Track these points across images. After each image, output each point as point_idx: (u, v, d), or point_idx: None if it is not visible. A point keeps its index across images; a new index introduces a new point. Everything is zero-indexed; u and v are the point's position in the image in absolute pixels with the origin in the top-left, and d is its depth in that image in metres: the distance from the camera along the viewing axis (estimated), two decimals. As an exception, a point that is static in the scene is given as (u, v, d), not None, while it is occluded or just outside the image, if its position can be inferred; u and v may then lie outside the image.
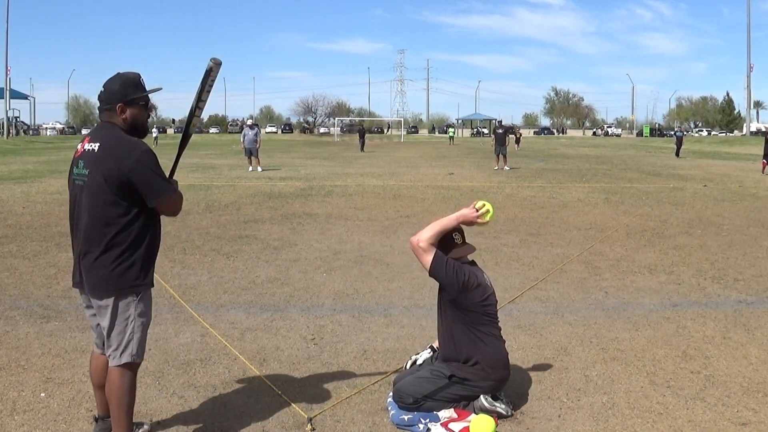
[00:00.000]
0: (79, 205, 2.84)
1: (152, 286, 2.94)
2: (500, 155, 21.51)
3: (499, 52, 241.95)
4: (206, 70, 2.90)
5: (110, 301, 2.79)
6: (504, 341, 3.56)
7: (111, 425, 2.92)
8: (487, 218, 3.49)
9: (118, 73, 2.89)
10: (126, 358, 2.83)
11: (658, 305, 5.50)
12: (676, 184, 16.69)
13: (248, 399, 3.63)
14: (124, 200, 2.75)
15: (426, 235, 3.39)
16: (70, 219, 2.94)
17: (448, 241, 3.48)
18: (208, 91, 2.98)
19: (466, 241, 3.58)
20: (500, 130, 22.32)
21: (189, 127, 3.12)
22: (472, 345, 3.39)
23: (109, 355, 2.86)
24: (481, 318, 3.42)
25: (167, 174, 2.93)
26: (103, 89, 2.85)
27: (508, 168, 21.36)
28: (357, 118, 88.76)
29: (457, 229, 3.51)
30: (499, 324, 3.56)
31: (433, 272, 3.38)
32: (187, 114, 3.15)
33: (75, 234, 2.89)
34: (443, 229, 3.43)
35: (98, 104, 2.88)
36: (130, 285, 2.80)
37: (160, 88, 3.07)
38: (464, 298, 3.38)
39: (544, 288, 6.03)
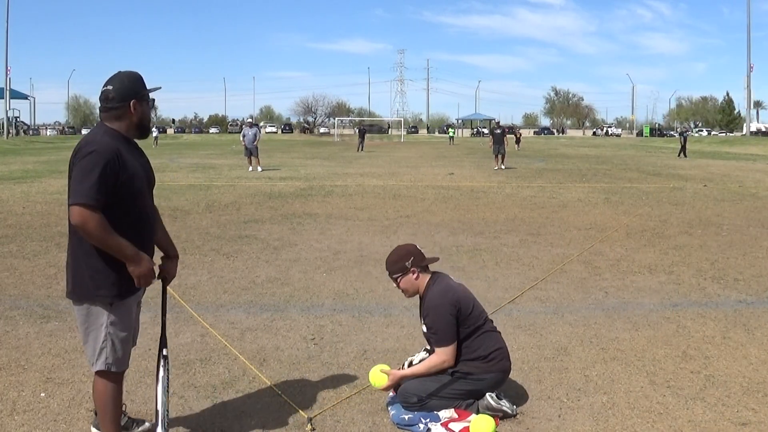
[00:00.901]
0: None
1: (129, 296, 2.79)
2: (499, 155, 21.67)
3: (499, 52, 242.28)
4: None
5: (82, 307, 2.74)
6: (499, 332, 3.59)
7: None
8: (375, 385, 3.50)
9: (122, 72, 2.82)
10: (100, 366, 2.75)
11: (658, 305, 5.50)
12: (676, 184, 16.69)
13: (248, 399, 3.63)
14: None
15: (437, 363, 3.39)
16: None
17: (404, 268, 3.50)
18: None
19: (426, 256, 3.57)
20: (498, 131, 22.59)
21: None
22: (468, 348, 3.40)
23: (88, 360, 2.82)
24: (472, 324, 3.43)
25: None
26: (110, 87, 2.75)
27: (504, 167, 21.51)
28: (357, 118, 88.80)
29: (408, 263, 3.49)
30: (488, 318, 3.58)
31: (452, 336, 3.37)
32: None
33: None
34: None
35: (102, 104, 2.78)
36: (99, 294, 2.69)
37: (160, 87, 3.01)
38: (462, 319, 3.41)
39: (544, 288, 6.03)
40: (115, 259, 2.68)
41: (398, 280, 3.53)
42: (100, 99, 2.79)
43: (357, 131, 43.19)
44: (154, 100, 2.87)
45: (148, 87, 2.88)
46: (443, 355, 3.36)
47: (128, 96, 2.76)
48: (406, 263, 3.47)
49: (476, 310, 3.48)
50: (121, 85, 2.76)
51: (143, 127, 2.84)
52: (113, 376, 2.81)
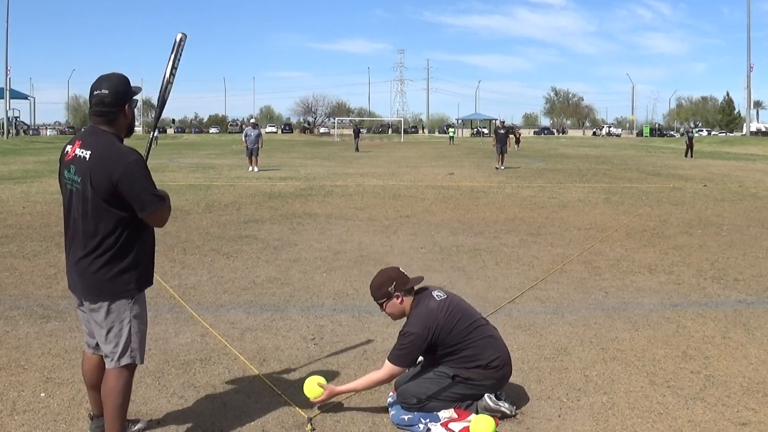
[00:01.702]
0: (72, 210, 2.84)
1: (148, 285, 2.95)
2: (501, 154, 21.83)
3: (499, 52, 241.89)
4: (176, 42, 2.96)
5: (104, 305, 2.79)
6: (499, 338, 3.56)
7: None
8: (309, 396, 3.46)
9: (112, 75, 2.82)
10: (126, 360, 2.83)
11: (658, 305, 5.50)
12: (676, 184, 16.69)
13: (248, 399, 3.63)
14: (115, 208, 2.73)
15: (379, 379, 3.41)
16: (64, 221, 2.93)
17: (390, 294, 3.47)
18: (177, 59, 3.10)
19: (410, 278, 3.54)
20: (502, 130, 22.99)
21: (164, 94, 3.14)
22: (466, 358, 3.39)
23: (106, 357, 2.84)
24: (453, 343, 3.39)
25: (145, 153, 2.94)
26: (106, 92, 2.75)
27: (504, 167, 21.73)
28: (357, 118, 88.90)
29: (391, 286, 3.46)
30: (484, 324, 3.55)
31: (409, 362, 3.39)
32: (160, 92, 3.17)
33: (68, 237, 2.89)
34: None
35: (97, 108, 2.77)
36: (123, 290, 2.80)
37: (140, 88, 3.02)
38: (441, 341, 3.38)
39: (544, 288, 6.03)
40: (138, 254, 2.83)
41: (383, 306, 3.51)
42: (94, 103, 2.78)
43: (353, 131, 43.32)
44: (137, 101, 2.91)
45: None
46: (389, 373, 3.36)
47: (123, 100, 2.80)
48: (389, 288, 3.45)
49: (460, 325, 3.40)
50: (116, 89, 2.78)
51: (132, 127, 2.91)
52: (131, 368, 2.88)
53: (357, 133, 40.37)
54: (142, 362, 2.93)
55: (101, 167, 2.71)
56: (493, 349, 3.44)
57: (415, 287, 3.55)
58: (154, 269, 3.04)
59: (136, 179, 2.72)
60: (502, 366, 3.43)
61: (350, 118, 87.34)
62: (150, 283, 2.97)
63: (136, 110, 2.96)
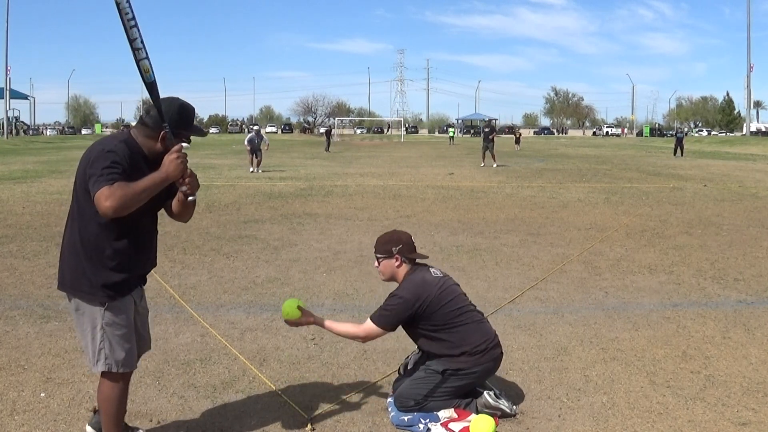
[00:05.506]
0: None
1: (122, 296, 2.76)
2: (486, 153, 22.82)
3: (499, 52, 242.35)
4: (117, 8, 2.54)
5: (76, 303, 2.76)
6: (485, 321, 3.57)
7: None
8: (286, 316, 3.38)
9: (178, 100, 2.74)
10: (102, 367, 2.74)
11: (658, 305, 5.50)
12: (676, 184, 16.69)
13: (248, 399, 3.63)
14: (89, 203, 2.62)
15: (354, 333, 3.44)
16: None
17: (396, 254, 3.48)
18: (133, 27, 2.56)
19: (418, 252, 3.57)
20: (487, 129, 23.90)
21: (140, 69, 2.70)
22: (453, 341, 3.39)
23: (89, 362, 2.80)
24: (440, 322, 3.40)
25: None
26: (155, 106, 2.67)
27: (495, 165, 22.32)
28: (357, 118, 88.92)
29: (396, 246, 3.49)
30: (472, 310, 3.54)
31: (390, 325, 3.40)
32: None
33: None
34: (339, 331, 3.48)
35: (142, 114, 2.73)
36: (90, 292, 2.70)
37: (207, 133, 2.89)
38: (426, 316, 3.38)
39: (544, 288, 6.03)
40: (107, 261, 2.70)
41: (380, 261, 3.53)
42: (144, 108, 2.77)
43: (324, 132, 42.93)
44: (187, 144, 2.76)
45: (194, 125, 2.79)
46: (365, 331, 3.38)
47: (159, 125, 2.66)
48: (393, 248, 3.47)
49: (449, 307, 3.40)
50: (168, 111, 2.67)
51: (162, 157, 2.68)
52: (118, 376, 2.80)
53: (328, 134, 40.18)
54: (123, 370, 2.78)
55: (83, 157, 2.68)
56: (479, 333, 3.43)
57: (417, 260, 3.57)
58: (154, 269, 3.01)
59: (93, 162, 2.56)
60: (489, 348, 3.41)
61: (350, 118, 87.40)
62: (126, 292, 2.78)
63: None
